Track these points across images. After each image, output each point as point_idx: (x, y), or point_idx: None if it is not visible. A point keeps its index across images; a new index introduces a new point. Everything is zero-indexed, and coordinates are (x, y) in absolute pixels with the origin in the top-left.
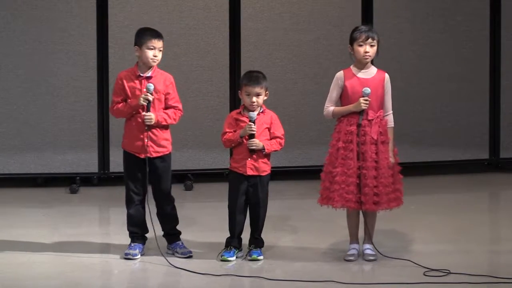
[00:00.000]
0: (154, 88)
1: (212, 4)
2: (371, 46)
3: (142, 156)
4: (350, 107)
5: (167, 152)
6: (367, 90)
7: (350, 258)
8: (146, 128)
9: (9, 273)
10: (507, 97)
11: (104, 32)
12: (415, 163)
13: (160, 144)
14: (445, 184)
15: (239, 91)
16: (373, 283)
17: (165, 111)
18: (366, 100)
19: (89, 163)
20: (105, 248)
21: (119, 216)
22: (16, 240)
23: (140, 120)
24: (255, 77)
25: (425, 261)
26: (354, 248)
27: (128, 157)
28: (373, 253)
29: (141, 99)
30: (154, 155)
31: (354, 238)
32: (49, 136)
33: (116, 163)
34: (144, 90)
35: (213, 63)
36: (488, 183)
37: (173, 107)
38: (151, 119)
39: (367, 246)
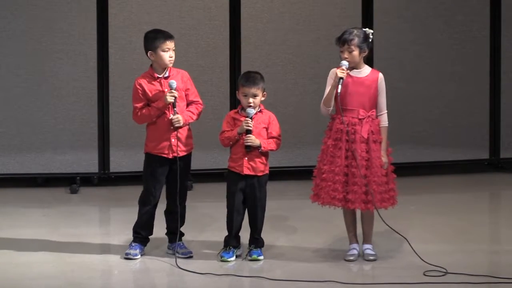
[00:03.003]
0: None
1: (212, 4)
2: (349, 52)
3: (171, 156)
4: (332, 85)
5: (191, 150)
6: (344, 62)
7: (350, 258)
8: (172, 128)
9: (9, 273)
10: (507, 97)
11: (104, 32)
12: (415, 163)
13: (186, 143)
14: (445, 184)
15: (237, 91)
16: (373, 283)
17: (188, 109)
18: (343, 70)
19: (89, 163)
20: (105, 248)
21: (119, 216)
22: (16, 240)
23: (166, 120)
24: (252, 78)
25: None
26: (354, 248)
27: (153, 160)
28: (373, 253)
29: (167, 97)
30: (181, 154)
31: (353, 238)
32: (49, 136)
33: (116, 163)
34: (167, 89)
35: (213, 63)
36: (488, 183)
37: (194, 102)
38: (179, 120)
39: (367, 246)
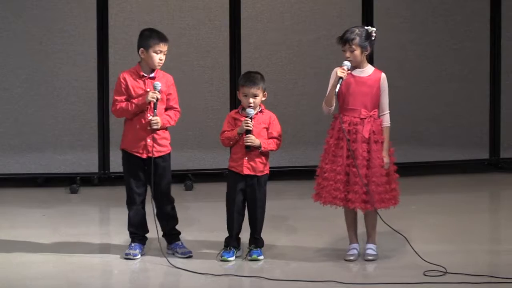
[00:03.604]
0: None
1: (213, 4)
2: (351, 51)
3: (145, 156)
4: (332, 84)
5: (168, 152)
6: (347, 62)
7: (350, 258)
8: (149, 128)
9: (9, 273)
10: (507, 97)
11: (104, 32)
12: (416, 163)
13: (161, 144)
14: (445, 184)
15: (238, 92)
16: (373, 283)
17: (167, 113)
18: (343, 70)
19: (89, 163)
20: (105, 248)
21: (119, 216)
22: (16, 240)
23: (143, 121)
24: (252, 78)
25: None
26: (354, 248)
27: (129, 158)
28: (374, 253)
29: (149, 96)
30: (156, 154)
31: (353, 238)
32: (49, 136)
33: (116, 163)
34: (149, 89)
35: (213, 63)
36: (488, 183)
37: (173, 108)
38: (157, 123)
39: (369, 246)
